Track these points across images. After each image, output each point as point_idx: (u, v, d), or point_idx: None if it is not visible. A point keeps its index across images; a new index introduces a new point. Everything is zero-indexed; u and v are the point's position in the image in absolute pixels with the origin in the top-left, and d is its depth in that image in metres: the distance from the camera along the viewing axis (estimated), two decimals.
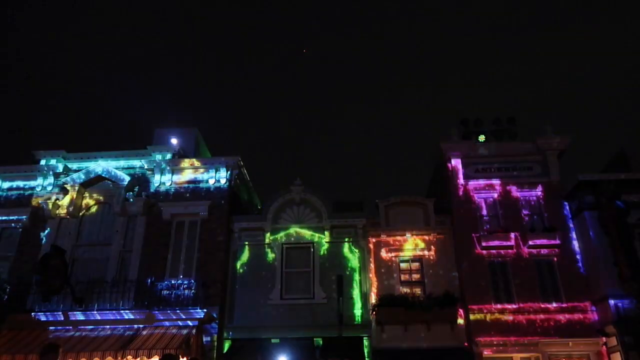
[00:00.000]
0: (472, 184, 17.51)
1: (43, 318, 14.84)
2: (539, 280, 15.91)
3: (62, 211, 17.10)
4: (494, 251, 16.32)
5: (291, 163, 58.95)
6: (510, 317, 15.32)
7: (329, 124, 66.74)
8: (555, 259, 16.18)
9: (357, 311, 15.92)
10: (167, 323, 14.78)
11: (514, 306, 15.50)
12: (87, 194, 17.61)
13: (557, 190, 17.15)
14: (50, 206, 17.04)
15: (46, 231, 17.04)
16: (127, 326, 14.75)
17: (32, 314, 14.90)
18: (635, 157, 18.17)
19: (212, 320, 15.23)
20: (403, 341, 15.18)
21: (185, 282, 15.79)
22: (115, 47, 63.85)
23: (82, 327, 14.82)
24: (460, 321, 15.56)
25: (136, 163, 18.03)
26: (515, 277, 15.94)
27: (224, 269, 16.36)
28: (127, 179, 17.43)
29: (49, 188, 17.75)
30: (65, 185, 17.48)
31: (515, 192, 17.30)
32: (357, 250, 16.82)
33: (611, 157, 19.50)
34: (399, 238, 16.99)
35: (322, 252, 16.85)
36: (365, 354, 15.01)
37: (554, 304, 15.45)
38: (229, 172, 17.72)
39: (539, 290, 15.72)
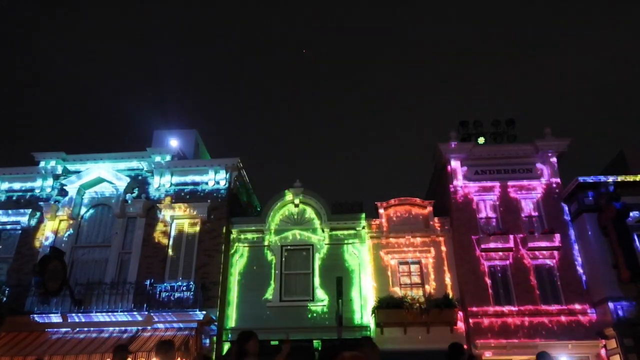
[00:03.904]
0: (472, 186, 17.51)
1: (42, 320, 14.81)
2: (538, 282, 15.90)
3: (62, 213, 17.08)
4: (493, 253, 16.32)
5: (291, 165, 58.98)
6: (509, 320, 15.31)
7: (328, 125, 66.79)
8: (555, 261, 16.17)
9: (357, 313, 15.91)
10: (166, 325, 14.76)
11: (514, 308, 15.48)
12: (86, 196, 17.60)
13: (556, 192, 17.15)
14: (49, 208, 17.03)
15: (45, 233, 17.02)
16: (126, 328, 14.73)
17: (31, 315, 14.87)
18: (635, 158, 18.18)
19: (211, 322, 15.21)
20: (402, 343, 15.16)
21: (184, 284, 15.76)
22: (116, 48, 63.92)
23: (81, 329, 14.80)
24: (460, 323, 15.55)
25: (135, 165, 18.02)
26: (514, 280, 15.93)
27: (223, 271, 16.34)
28: (127, 180, 17.42)
29: (49, 190, 17.75)
30: (65, 187, 17.47)
31: (514, 194, 17.30)
32: (356, 252, 16.81)
33: (610, 159, 19.52)
34: (398, 240, 16.99)
35: (321, 254, 16.84)
36: None
37: (554, 306, 15.44)
38: (228, 174, 17.71)
39: (539, 293, 15.71)
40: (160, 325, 14.77)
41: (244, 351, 4.65)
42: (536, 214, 17.14)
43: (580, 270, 15.97)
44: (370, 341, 5.31)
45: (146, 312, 14.75)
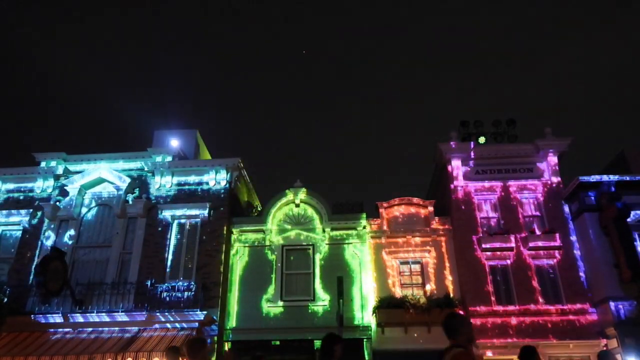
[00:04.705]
0: (472, 185, 17.50)
1: (43, 320, 14.81)
2: (539, 282, 15.89)
3: (62, 213, 17.08)
4: (494, 253, 16.30)
5: (291, 164, 59.00)
6: (510, 319, 15.29)
7: (329, 125, 66.82)
8: (556, 260, 16.16)
9: (358, 313, 15.91)
10: (167, 325, 14.76)
11: (515, 308, 15.47)
12: (87, 196, 17.61)
13: (557, 191, 17.14)
14: (50, 208, 17.02)
15: (46, 233, 17.02)
16: (127, 328, 14.72)
17: (32, 316, 14.87)
18: (635, 158, 18.17)
19: (212, 322, 15.21)
20: (403, 343, 15.16)
21: (185, 284, 15.77)
22: (116, 49, 63.92)
23: (82, 329, 14.79)
24: None
25: (136, 165, 18.02)
26: (515, 279, 15.92)
27: (224, 271, 16.34)
28: (127, 181, 17.42)
29: (49, 190, 17.75)
30: (66, 187, 17.48)
31: (515, 193, 17.29)
32: (357, 252, 16.80)
33: (610, 159, 19.51)
34: (399, 240, 16.98)
35: (322, 254, 16.84)
36: (366, 356, 14.99)
37: (555, 306, 15.43)
38: (229, 174, 17.71)
39: (540, 292, 15.70)
40: (161, 326, 14.77)
41: (332, 353, 4.66)
42: (537, 213, 17.13)
43: (581, 269, 15.95)
44: (456, 314, 4.42)
45: (147, 313, 14.76)
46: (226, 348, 15.51)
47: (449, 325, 4.22)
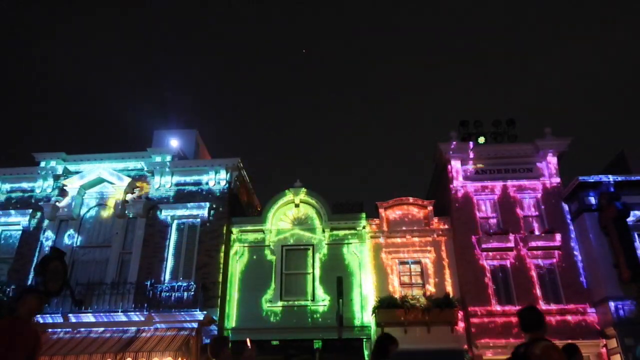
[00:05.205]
0: (472, 185, 17.49)
1: (42, 320, 14.80)
2: (539, 282, 15.89)
3: (62, 213, 17.08)
4: (493, 253, 16.30)
5: (291, 164, 58.98)
6: (510, 319, 15.27)
7: (329, 125, 66.80)
8: (555, 260, 16.16)
9: (357, 313, 15.90)
10: (166, 325, 14.76)
11: (514, 308, 15.42)
12: (86, 196, 17.60)
13: (556, 191, 17.13)
14: (50, 208, 17.02)
15: (46, 233, 17.03)
16: (126, 328, 14.73)
17: None
18: (635, 158, 18.19)
19: (211, 322, 15.21)
20: (403, 343, 14.90)
21: (185, 284, 15.77)
22: (116, 49, 63.90)
23: (82, 329, 14.80)
24: (460, 323, 15.54)
25: (136, 165, 18.02)
26: (515, 279, 15.92)
27: (224, 271, 16.34)
28: (127, 181, 17.42)
29: (49, 190, 17.75)
30: (65, 187, 17.48)
31: (514, 193, 17.28)
32: (356, 252, 16.80)
33: (610, 159, 19.51)
34: (398, 240, 16.98)
35: (321, 254, 16.84)
36: (365, 356, 14.99)
37: (554, 306, 15.42)
38: (228, 174, 17.71)
39: (539, 292, 15.69)
40: (161, 325, 14.76)
41: (386, 352, 4.71)
42: (536, 213, 17.12)
43: (580, 269, 15.95)
44: (535, 307, 4.25)
45: (147, 312, 14.76)
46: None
47: (532, 318, 4.21)
